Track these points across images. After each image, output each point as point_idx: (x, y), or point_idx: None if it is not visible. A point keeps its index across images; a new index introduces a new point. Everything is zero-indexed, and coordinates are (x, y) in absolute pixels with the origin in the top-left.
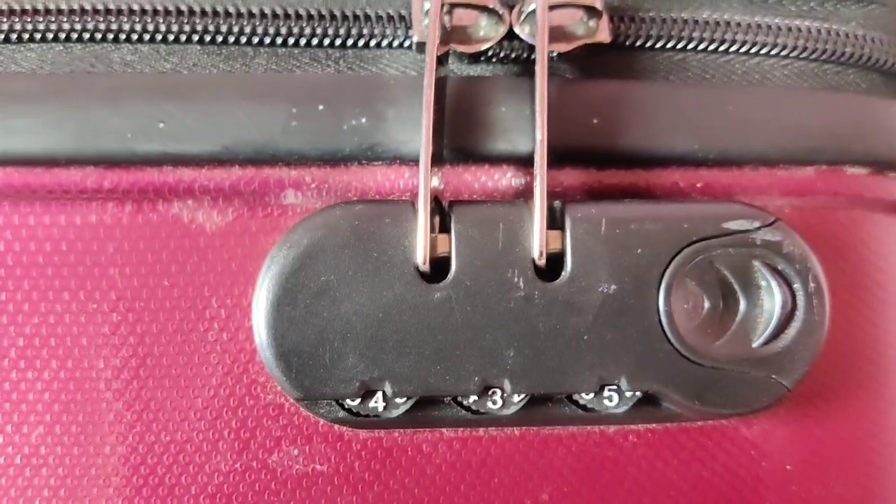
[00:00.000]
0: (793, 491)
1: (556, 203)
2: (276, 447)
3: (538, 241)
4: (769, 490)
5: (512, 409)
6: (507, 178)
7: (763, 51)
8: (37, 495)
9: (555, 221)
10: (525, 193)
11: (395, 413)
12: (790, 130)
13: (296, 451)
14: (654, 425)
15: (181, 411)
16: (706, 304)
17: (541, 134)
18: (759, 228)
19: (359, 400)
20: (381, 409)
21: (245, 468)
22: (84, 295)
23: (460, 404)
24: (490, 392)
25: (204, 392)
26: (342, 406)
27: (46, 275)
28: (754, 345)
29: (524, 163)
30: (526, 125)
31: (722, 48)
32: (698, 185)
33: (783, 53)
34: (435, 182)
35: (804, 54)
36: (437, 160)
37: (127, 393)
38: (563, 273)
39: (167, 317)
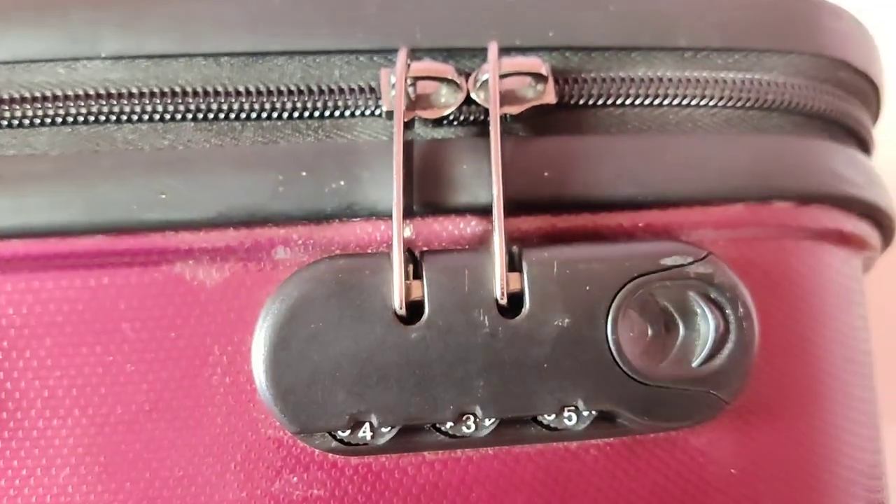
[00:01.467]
0: (740, 492)
1: (514, 248)
2: (277, 476)
3: (499, 283)
4: (718, 492)
5: (484, 432)
6: (471, 227)
7: (693, 102)
8: None
9: (514, 264)
10: (487, 239)
11: (381, 441)
12: (720, 172)
13: (295, 479)
14: (611, 439)
15: (191, 447)
16: (649, 331)
17: (497, 189)
18: (692, 263)
19: (349, 431)
20: (368, 437)
21: (250, 496)
22: (100, 349)
23: (439, 430)
24: (464, 418)
25: (211, 430)
26: (334, 437)
27: (66, 332)
28: (694, 364)
29: (485, 213)
30: (485, 180)
31: (657, 102)
32: (640, 224)
33: (711, 104)
34: (407, 232)
35: (730, 103)
36: (409, 213)
37: (142, 434)
38: (522, 310)
39: (175, 364)
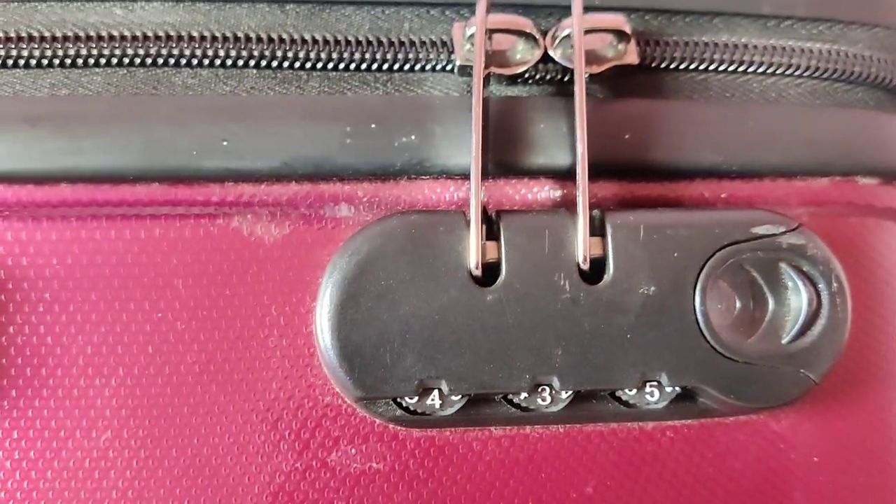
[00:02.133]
0: (820, 481)
1: (596, 212)
2: (334, 447)
3: (582, 246)
4: (798, 480)
5: (559, 406)
6: (545, 191)
7: (778, 71)
8: (105, 497)
9: (595, 229)
10: (562, 205)
11: (449, 411)
12: (805, 144)
13: (353, 451)
14: (689, 421)
15: (243, 414)
16: (738, 304)
17: (581, 147)
18: (783, 233)
19: (416, 398)
20: (437, 406)
21: (305, 467)
22: (149, 305)
23: (511, 402)
24: (540, 389)
25: (265, 395)
26: (399, 405)
27: (113, 286)
28: (783, 341)
29: (561, 176)
30: (563, 141)
31: (741, 69)
32: (722, 195)
33: (797, 73)
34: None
35: (816, 74)
36: (482, 174)
37: (191, 398)
38: (605, 276)
39: (229, 324)
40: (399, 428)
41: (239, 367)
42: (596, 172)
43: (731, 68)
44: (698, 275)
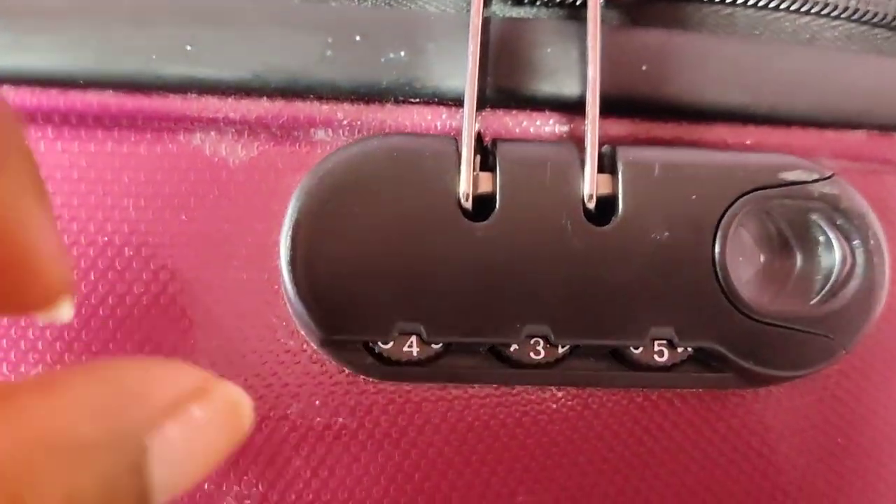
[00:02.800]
0: (846, 467)
1: (606, 147)
2: (294, 398)
3: (589, 182)
4: (819, 463)
5: (553, 361)
6: (549, 125)
7: (814, 10)
8: None
9: (604, 165)
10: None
11: (426, 359)
12: (840, 91)
13: (318, 402)
14: (699, 391)
15: (194, 354)
16: (761, 258)
17: (593, 71)
18: (816, 181)
19: (390, 344)
20: (414, 353)
21: (262, 418)
22: (94, 227)
23: (498, 355)
24: (531, 341)
25: (220, 334)
26: (371, 352)
27: (55, 204)
28: (811, 302)
29: (569, 109)
30: (573, 67)
31: (771, 5)
32: (747, 142)
33: (833, 14)
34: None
35: (855, 16)
36: (479, 101)
37: (137, 332)
38: (613, 217)
39: (182, 253)
40: (370, 380)
41: (193, 301)
42: (608, 107)
43: (761, 3)
44: (719, 221)
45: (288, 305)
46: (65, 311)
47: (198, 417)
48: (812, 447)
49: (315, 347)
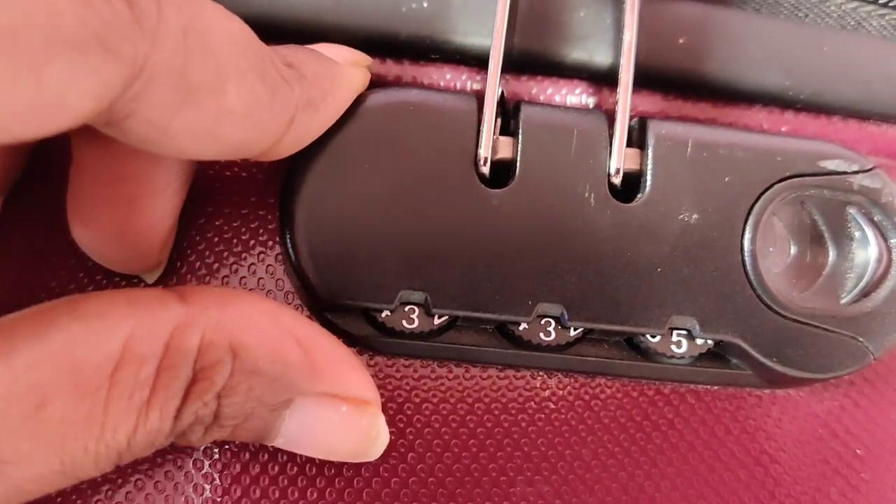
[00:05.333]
0: (861, 479)
1: (635, 120)
2: None
3: (616, 155)
4: (835, 475)
5: (564, 344)
6: (576, 94)
7: None
8: None
9: (632, 140)
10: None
11: (430, 331)
12: (884, 83)
13: None
14: (715, 388)
15: None
16: (792, 250)
17: (630, 35)
18: (856, 173)
19: (391, 312)
20: (416, 324)
21: None
22: None
23: (506, 334)
24: (542, 321)
25: None
26: (372, 319)
27: None
28: (842, 301)
29: (598, 79)
30: (606, 34)
31: None
32: (784, 129)
33: (881, 2)
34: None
35: None
36: (504, 64)
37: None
38: (639, 195)
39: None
40: (368, 352)
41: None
42: (639, 80)
43: None
44: (752, 206)
45: (286, 265)
46: (154, 277)
47: (343, 412)
48: (829, 456)
49: (312, 314)
